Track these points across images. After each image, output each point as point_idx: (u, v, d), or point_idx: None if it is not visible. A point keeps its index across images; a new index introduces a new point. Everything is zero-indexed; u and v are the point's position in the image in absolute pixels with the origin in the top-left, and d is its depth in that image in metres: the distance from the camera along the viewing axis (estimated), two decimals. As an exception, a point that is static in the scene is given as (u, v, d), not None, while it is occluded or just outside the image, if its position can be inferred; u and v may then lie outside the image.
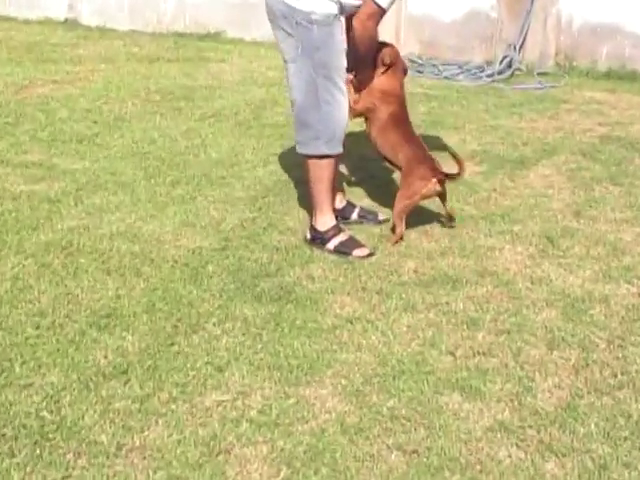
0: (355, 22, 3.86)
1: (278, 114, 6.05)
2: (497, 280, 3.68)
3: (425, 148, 4.14)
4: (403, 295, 3.52)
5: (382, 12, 3.86)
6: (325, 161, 3.93)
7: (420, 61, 8.40)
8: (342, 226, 4.08)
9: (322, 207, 4.02)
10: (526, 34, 8.15)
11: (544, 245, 4.06)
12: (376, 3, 3.81)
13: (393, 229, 4.05)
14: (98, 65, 7.68)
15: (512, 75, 7.94)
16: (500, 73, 7.90)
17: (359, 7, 3.87)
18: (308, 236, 4.03)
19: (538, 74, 7.89)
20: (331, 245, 3.95)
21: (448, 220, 4.20)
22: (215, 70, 7.75)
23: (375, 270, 3.75)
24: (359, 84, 4.16)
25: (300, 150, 3.98)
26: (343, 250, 3.92)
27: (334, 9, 3.75)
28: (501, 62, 8.01)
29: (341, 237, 3.98)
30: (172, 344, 3.11)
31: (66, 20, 9.77)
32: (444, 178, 4.03)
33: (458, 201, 4.54)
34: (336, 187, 4.29)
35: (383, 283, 3.63)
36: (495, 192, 4.74)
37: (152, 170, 4.95)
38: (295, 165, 4.72)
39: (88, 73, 7.33)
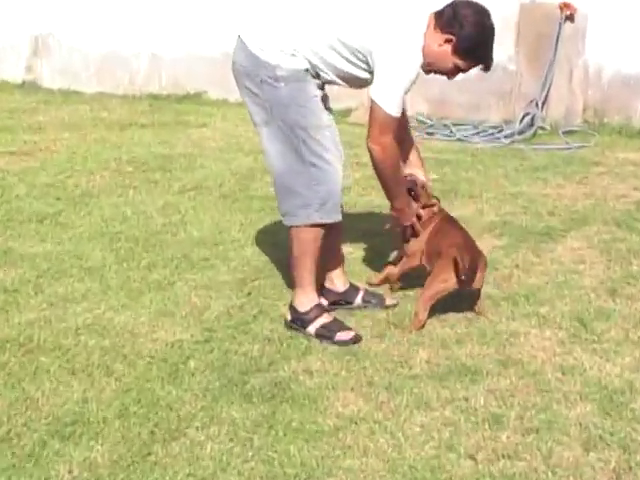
0: (368, 143, 3.91)
1: (268, 184, 6.14)
2: (522, 370, 3.72)
3: (471, 238, 4.29)
4: (415, 390, 3.55)
5: (396, 120, 3.90)
6: (314, 233, 4.01)
7: (429, 121, 8.60)
8: (326, 307, 4.19)
9: (304, 284, 4.10)
10: (549, 88, 8.36)
11: (576, 329, 4.11)
12: (385, 111, 3.84)
13: (416, 315, 4.11)
14: (61, 133, 7.83)
15: (534, 135, 8.11)
16: (520, 133, 8.08)
17: (343, 77, 3.97)
18: (288, 317, 4.11)
19: (564, 133, 8.05)
20: (312, 328, 4.02)
21: (475, 308, 4.27)
22: (196, 136, 7.91)
23: (382, 362, 3.79)
24: (399, 217, 4.22)
25: (288, 222, 4.06)
26: (325, 334, 4.00)
27: (302, 64, 3.86)
28: (521, 120, 8.20)
29: (323, 319, 4.05)
30: (148, 454, 3.12)
31: (24, 83, 9.98)
32: (480, 272, 4.11)
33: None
34: (338, 267, 4.38)
35: (391, 377, 3.67)
36: (518, 269, 4.82)
37: (124, 252, 5.03)
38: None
39: (50, 143, 7.47)
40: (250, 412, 3.39)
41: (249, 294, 4.49)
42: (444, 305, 4.20)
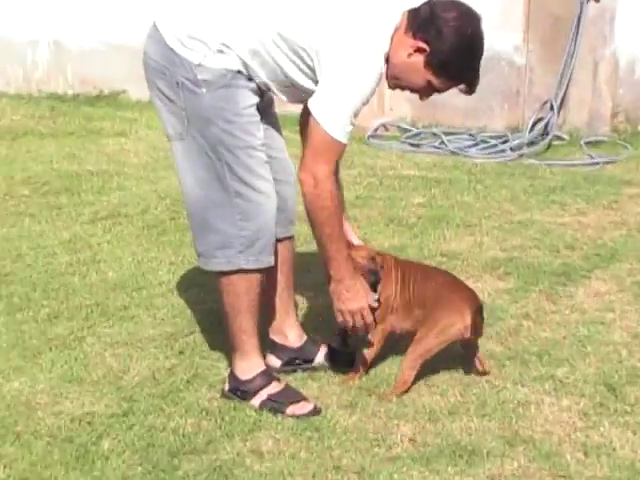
0: (299, 172, 3.81)
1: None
2: (534, 450, 3.74)
3: (454, 275, 4.40)
4: (395, 476, 3.56)
5: (339, 147, 3.80)
6: (245, 282, 4.00)
7: (414, 129, 8.67)
8: (275, 372, 4.22)
9: (242, 348, 4.11)
10: (567, 87, 8.44)
11: (602, 397, 4.14)
12: (325, 131, 3.73)
13: (402, 375, 4.14)
14: None
15: (549, 147, 8.20)
16: (531, 144, 8.17)
17: (283, 85, 3.89)
18: (226, 387, 4.14)
19: (587, 144, 8.15)
20: (256, 401, 4.05)
21: (480, 371, 4.33)
22: (112, 148, 7.92)
23: (353, 440, 3.80)
24: (339, 293, 4.00)
25: (205, 266, 4.07)
26: (273, 407, 4.02)
27: (232, 64, 3.80)
28: (532, 128, 8.29)
29: (271, 389, 4.08)
30: None
31: None
32: (481, 316, 4.19)
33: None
34: (290, 317, 4.41)
35: (365, 459, 3.68)
36: (528, 319, 4.87)
37: (17, 300, 5.03)
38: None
39: None
40: (182, 506, 3.39)
41: (181, 353, 4.51)
42: (432, 366, 4.23)
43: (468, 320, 4.11)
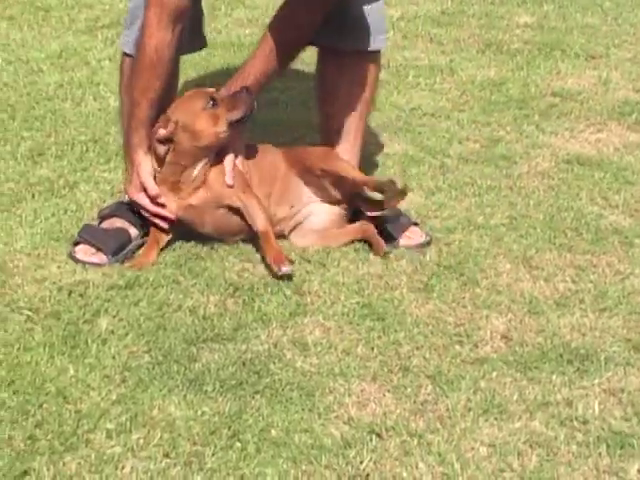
0: None
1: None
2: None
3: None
4: (482, 384, 3.56)
5: None
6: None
7: None
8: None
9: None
10: None
11: None
12: None
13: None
14: None
15: None
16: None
17: None
18: None
19: None
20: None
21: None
22: None
23: (428, 334, 3.80)
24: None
25: None
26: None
27: None
28: None
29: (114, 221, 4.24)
30: (25, 473, 3.09)
31: None
32: None
33: (592, 199, 4.66)
34: None
35: (442, 360, 3.68)
36: (672, 184, 4.85)
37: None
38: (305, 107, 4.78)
39: None
40: (200, 410, 3.40)
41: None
42: (534, 242, 4.25)
43: None
